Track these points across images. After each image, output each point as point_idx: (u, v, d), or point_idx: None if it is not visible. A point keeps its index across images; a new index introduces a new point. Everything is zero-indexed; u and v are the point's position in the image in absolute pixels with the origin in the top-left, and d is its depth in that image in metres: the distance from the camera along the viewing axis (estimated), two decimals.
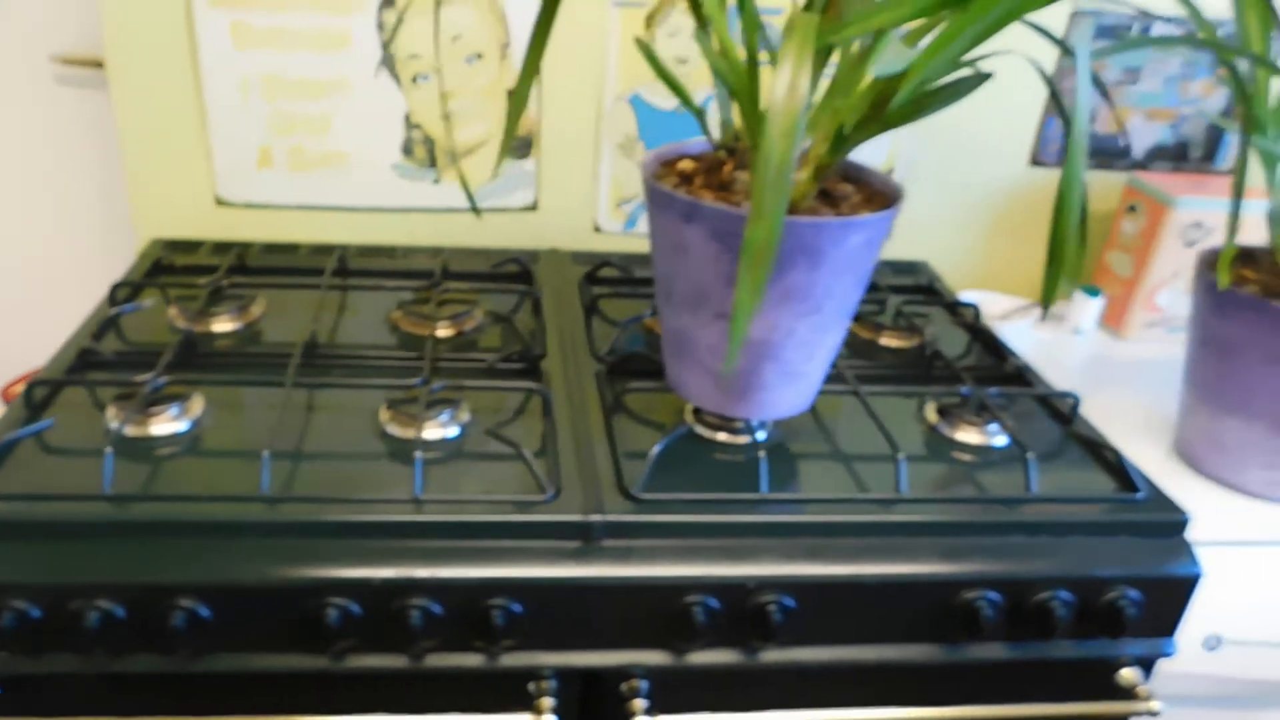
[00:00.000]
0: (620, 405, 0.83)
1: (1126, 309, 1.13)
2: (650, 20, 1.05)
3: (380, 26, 1.03)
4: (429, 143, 1.09)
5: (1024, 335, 1.10)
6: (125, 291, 0.95)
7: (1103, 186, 1.21)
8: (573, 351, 0.91)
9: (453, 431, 0.78)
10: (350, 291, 1.01)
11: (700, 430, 0.80)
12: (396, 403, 0.79)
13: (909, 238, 1.20)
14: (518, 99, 0.72)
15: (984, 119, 1.14)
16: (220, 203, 1.10)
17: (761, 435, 0.80)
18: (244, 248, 1.08)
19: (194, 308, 0.91)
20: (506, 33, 1.04)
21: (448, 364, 0.87)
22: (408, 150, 1.09)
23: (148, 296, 0.95)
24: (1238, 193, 0.71)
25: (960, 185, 1.18)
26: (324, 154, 1.08)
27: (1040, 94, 1.14)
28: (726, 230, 0.65)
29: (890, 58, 0.48)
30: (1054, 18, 1.10)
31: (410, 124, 1.08)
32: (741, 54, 0.63)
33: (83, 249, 1.22)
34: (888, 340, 0.98)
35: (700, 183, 0.72)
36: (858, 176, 0.76)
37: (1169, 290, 1.12)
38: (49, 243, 1.21)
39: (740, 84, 0.64)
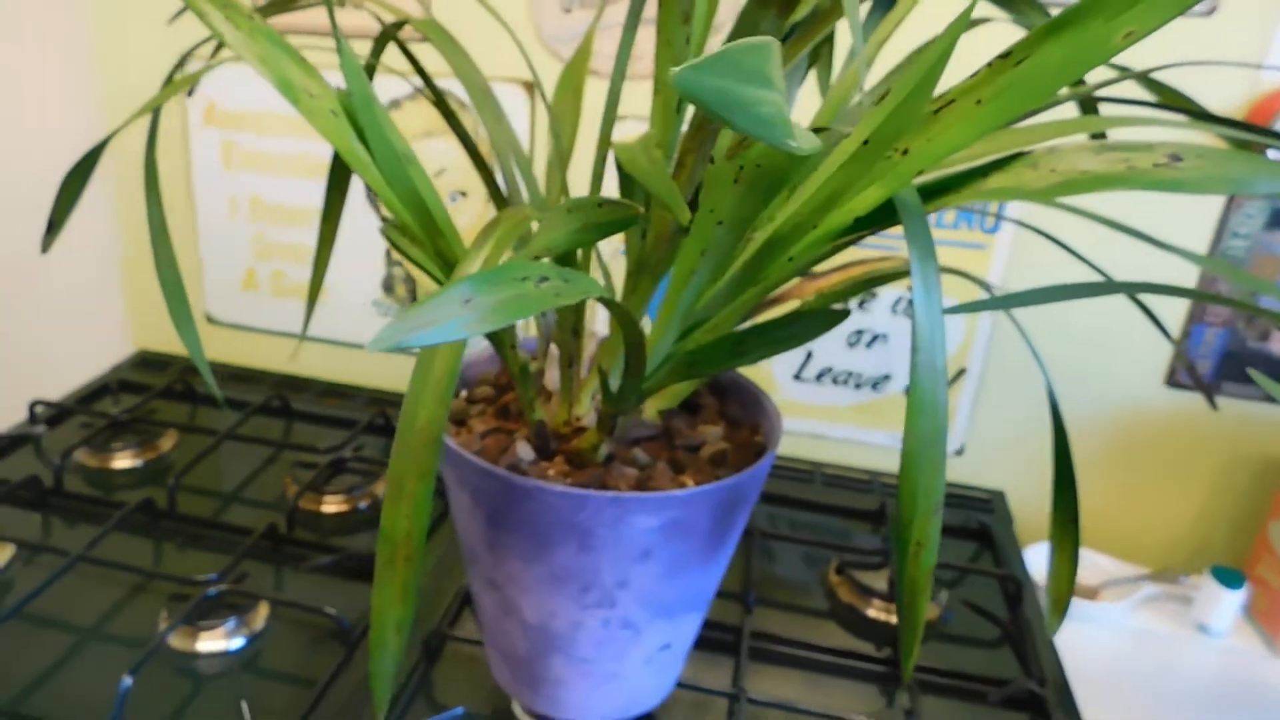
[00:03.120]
0: (445, 650, 0.65)
1: None
2: None
3: None
4: (410, 281, 0.98)
5: (1118, 621, 0.80)
6: (43, 411, 0.90)
7: (1269, 424, 0.87)
8: (450, 553, 0.74)
9: (236, 643, 0.64)
10: (274, 440, 0.90)
11: (518, 711, 0.60)
12: (177, 599, 0.66)
13: (985, 458, 0.92)
14: (316, 277, 0.58)
15: (1102, 313, 0.85)
16: (211, 320, 1.05)
17: None
18: (212, 371, 1.01)
19: (99, 440, 0.84)
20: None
21: (294, 550, 0.73)
22: (388, 287, 0.98)
23: (74, 420, 0.90)
24: None
25: (1063, 400, 0.89)
26: (303, 283, 1.00)
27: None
28: (470, 480, 0.47)
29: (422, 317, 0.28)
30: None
31: (391, 260, 0.97)
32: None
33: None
34: (875, 612, 0.72)
35: (508, 400, 0.54)
36: (738, 404, 0.55)
37: None
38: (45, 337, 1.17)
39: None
